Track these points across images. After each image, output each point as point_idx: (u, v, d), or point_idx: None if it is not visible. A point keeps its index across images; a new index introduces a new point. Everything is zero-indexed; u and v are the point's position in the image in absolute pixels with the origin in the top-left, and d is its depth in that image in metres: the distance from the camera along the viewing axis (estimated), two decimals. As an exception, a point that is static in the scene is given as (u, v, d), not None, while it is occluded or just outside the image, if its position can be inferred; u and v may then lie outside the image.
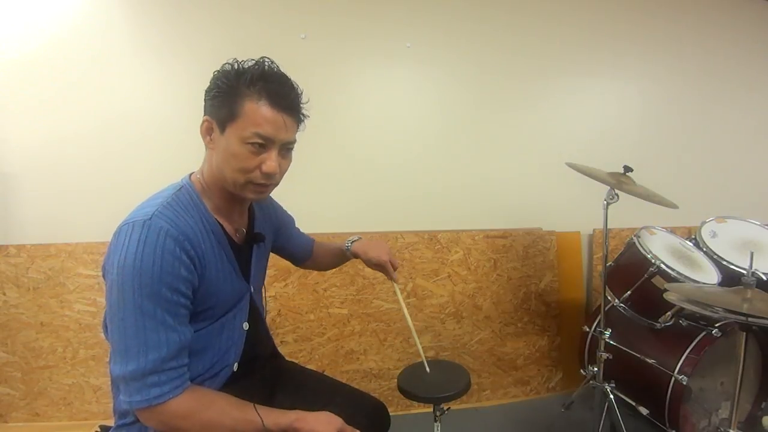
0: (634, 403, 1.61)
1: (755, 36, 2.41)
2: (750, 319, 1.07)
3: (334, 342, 1.96)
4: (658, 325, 1.64)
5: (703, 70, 2.35)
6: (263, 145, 0.83)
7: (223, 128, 0.84)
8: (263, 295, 1.11)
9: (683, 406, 1.52)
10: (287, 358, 1.22)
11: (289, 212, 1.26)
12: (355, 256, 1.25)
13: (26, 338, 1.81)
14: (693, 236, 1.80)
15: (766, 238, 1.74)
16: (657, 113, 2.32)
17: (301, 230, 1.32)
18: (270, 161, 0.84)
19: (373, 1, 1.97)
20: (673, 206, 1.56)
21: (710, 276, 1.59)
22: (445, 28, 2.04)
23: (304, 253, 1.31)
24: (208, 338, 0.89)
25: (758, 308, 1.04)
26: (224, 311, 0.92)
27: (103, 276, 0.82)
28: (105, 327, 0.83)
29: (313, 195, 1.96)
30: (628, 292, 1.65)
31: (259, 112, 0.81)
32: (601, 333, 1.60)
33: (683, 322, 1.67)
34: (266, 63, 0.85)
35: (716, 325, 1.58)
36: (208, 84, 0.86)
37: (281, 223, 1.21)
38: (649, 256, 1.57)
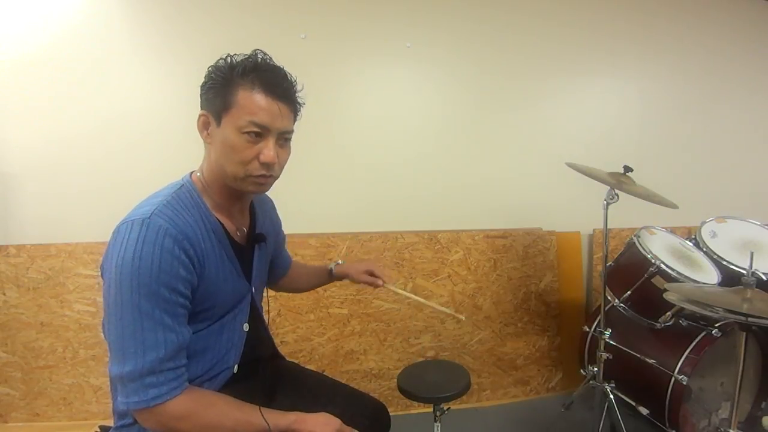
0: (634, 403, 1.61)
1: (755, 36, 2.41)
2: (750, 319, 1.07)
3: (334, 342, 1.96)
4: (658, 325, 1.64)
5: (703, 70, 2.35)
6: (260, 134, 0.83)
7: (219, 120, 0.84)
8: (265, 295, 1.11)
9: (683, 406, 1.52)
10: (287, 359, 1.22)
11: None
12: (342, 275, 1.25)
13: (26, 338, 1.81)
14: (693, 236, 1.80)
15: (766, 238, 1.74)
16: (657, 113, 2.32)
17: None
18: (267, 150, 0.84)
19: (373, 1, 1.97)
20: (673, 206, 1.56)
21: (710, 276, 1.59)
22: (445, 28, 2.04)
23: (282, 270, 1.28)
24: (207, 339, 0.88)
25: (758, 308, 1.04)
26: (224, 312, 0.92)
27: (102, 275, 0.81)
28: (104, 327, 0.82)
29: (313, 195, 1.97)
30: (628, 292, 1.65)
31: (254, 101, 0.81)
32: (601, 333, 1.60)
33: (683, 322, 1.67)
34: (259, 55, 0.86)
35: (716, 325, 1.57)
36: (203, 79, 0.86)
37: (280, 230, 1.20)
38: (649, 256, 1.57)
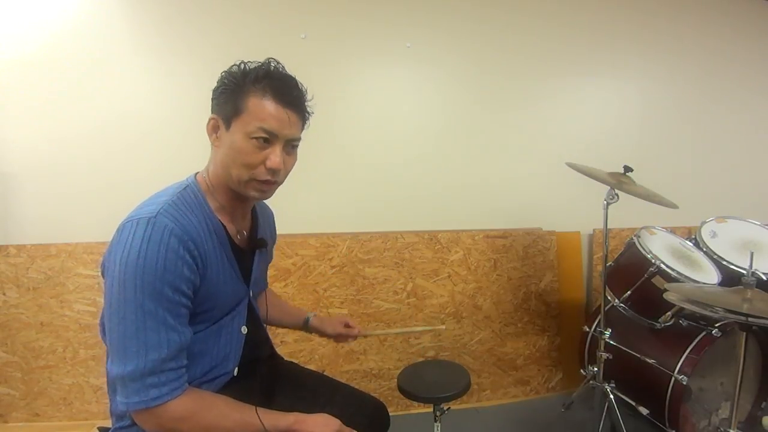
0: (634, 403, 1.61)
1: (755, 36, 2.41)
2: (750, 319, 1.07)
3: (334, 342, 1.95)
4: (658, 325, 1.64)
5: (703, 70, 2.35)
6: (267, 140, 0.84)
7: (228, 124, 0.84)
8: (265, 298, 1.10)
9: (683, 406, 1.52)
10: (287, 359, 1.22)
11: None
12: (317, 329, 1.25)
13: (26, 338, 1.81)
14: (693, 236, 1.80)
15: (766, 238, 1.74)
16: (657, 113, 2.32)
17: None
18: (274, 156, 0.84)
19: (373, 1, 1.97)
20: (673, 206, 1.56)
21: (710, 276, 1.59)
22: (445, 28, 2.04)
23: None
24: (206, 341, 0.88)
25: (758, 308, 1.04)
26: (223, 314, 0.92)
27: (102, 274, 0.81)
28: (102, 327, 0.82)
29: (313, 195, 1.96)
30: (628, 292, 1.65)
31: (264, 108, 0.83)
32: (601, 333, 1.60)
33: (683, 322, 1.67)
34: (272, 63, 0.87)
35: (716, 325, 1.57)
36: (215, 84, 0.88)
37: (273, 244, 1.19)
38: (649, 256, 1.57)
